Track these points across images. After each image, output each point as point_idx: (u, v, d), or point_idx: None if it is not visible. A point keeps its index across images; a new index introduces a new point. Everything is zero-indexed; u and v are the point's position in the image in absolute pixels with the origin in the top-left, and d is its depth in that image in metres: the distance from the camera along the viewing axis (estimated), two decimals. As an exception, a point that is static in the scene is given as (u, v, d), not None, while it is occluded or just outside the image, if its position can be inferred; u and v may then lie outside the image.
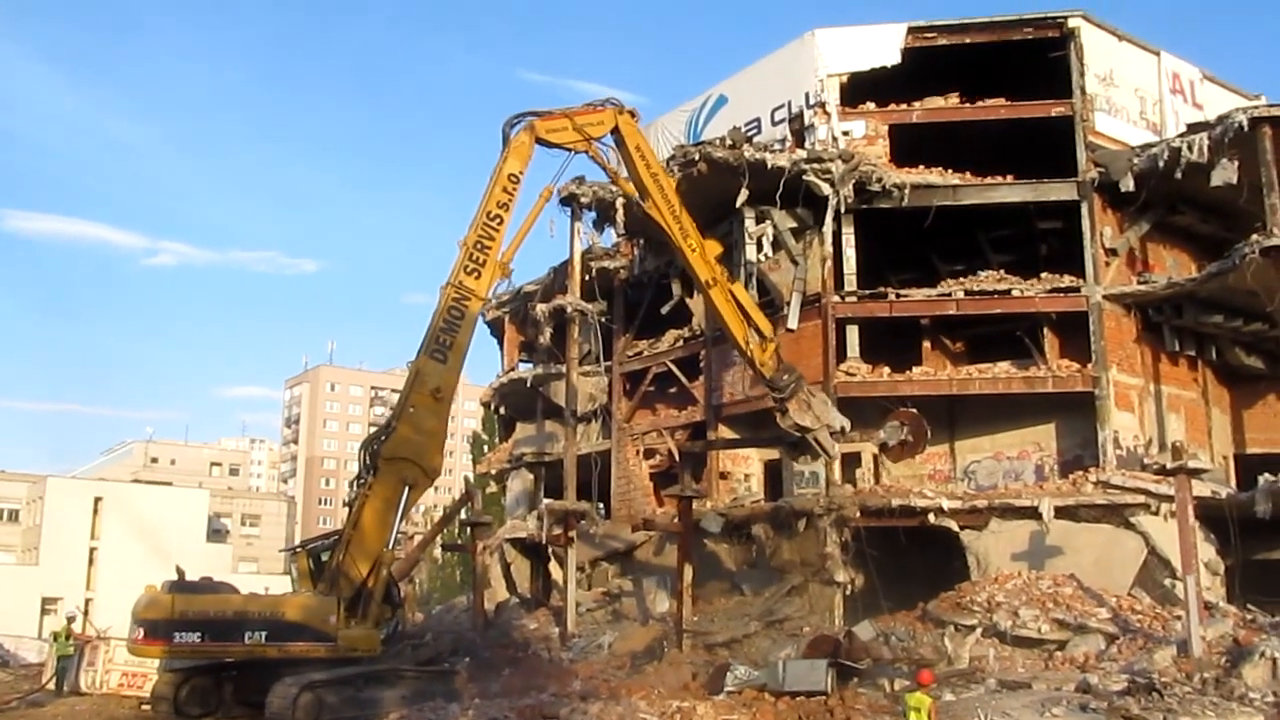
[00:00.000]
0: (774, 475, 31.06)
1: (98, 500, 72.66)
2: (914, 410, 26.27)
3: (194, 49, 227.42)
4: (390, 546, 22.01)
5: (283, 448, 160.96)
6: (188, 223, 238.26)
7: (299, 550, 24.63)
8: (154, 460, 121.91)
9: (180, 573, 22.29)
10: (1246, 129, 26.05)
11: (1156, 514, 24.82)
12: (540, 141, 22.86)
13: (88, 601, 60.34)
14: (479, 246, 21.96)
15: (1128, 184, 28.29)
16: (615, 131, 23.49)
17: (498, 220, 22.18)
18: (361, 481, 21.80)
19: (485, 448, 56.56)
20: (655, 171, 23.91)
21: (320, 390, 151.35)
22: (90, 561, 69.70)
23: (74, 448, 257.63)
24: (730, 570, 29.12)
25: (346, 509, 23.20)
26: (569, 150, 23.38)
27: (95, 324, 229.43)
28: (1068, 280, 29.00)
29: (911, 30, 31.13)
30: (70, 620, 31.31)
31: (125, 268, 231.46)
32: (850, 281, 29.64)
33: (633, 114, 23.94)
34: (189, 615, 20.67)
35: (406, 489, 21.58)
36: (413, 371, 22.05)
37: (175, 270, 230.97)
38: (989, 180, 29.97)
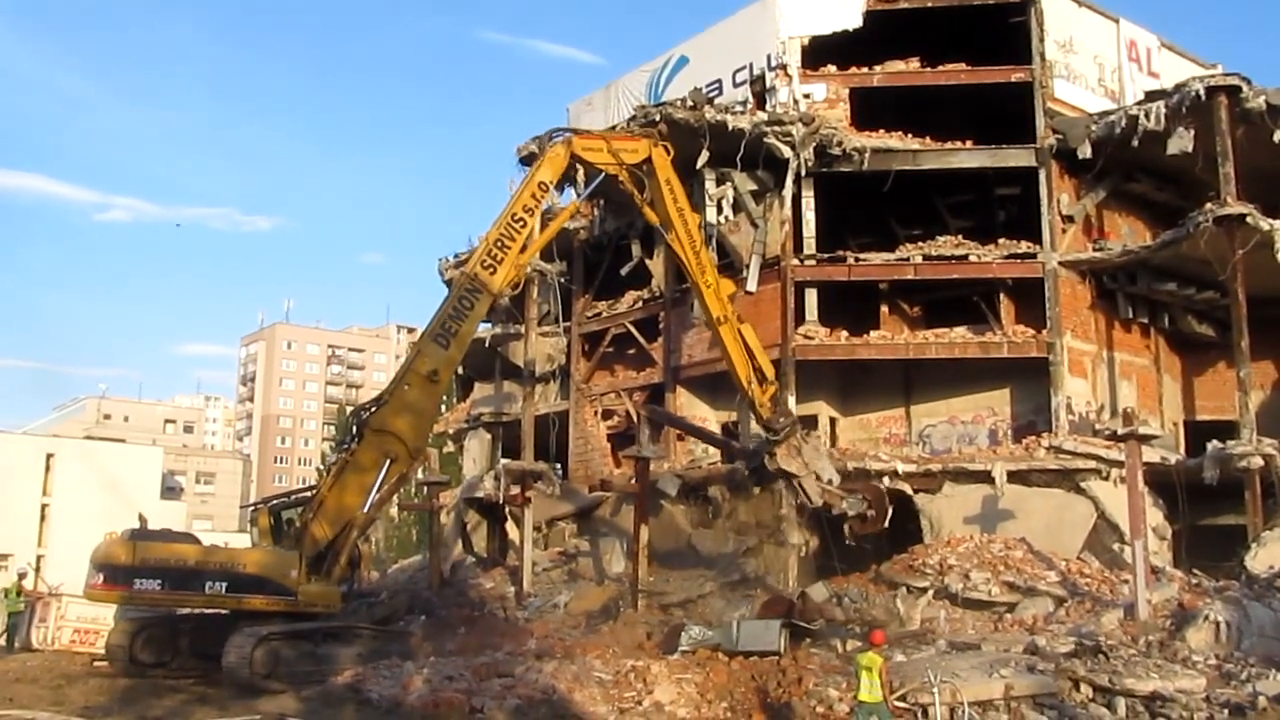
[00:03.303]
0: (731, 437, 31.14)
1: (50, 456, 71.63)
2: (878, 485, 26.11)
3: (146, 2, 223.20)
4: (365, 511, 21.96)
5: (238, 406, 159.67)
6: (140, 178, 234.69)
7: (260, 507, 24.54)
8: (107, 417, 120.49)
9: (143, 520, 22.22)
10: (1203, 98, 26.22)
11: (1107, 479, 25.19)
12: (575, 157, 23.37)
13: (39, 558, 59.63)
14: (498, 244, 22.29)
15: (1085, 151, 28.43)
16: (648, 161, 23.80)
17: (521, 222, 22.59)
18: (345, 447, 21.85)
19: (443, 407, 56.42)
20: (682, 207, 24.14)
21: (276, 348, 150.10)
22: (42, 518, 68.72)
23: (25, 404, 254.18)
24: (686, 531, 29.26)
25: (322, 472, 23.26)
26: (601, 170, 23.94)
27: (47, 279, 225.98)
28: (1024, 246, 29.16)
29: (874, -7, 31.05)
30: (21, 577, 31.03)
31: (77, 222, 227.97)
32: (809, 245, 29.69)
33: (667, 149, 24.20)
34: (150, 562, 20.53)
35: (388, 462, 21.61)
36: (414, 350, 22.45)
37: (128, 226, 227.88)
38: (948, 145, 30.08)
